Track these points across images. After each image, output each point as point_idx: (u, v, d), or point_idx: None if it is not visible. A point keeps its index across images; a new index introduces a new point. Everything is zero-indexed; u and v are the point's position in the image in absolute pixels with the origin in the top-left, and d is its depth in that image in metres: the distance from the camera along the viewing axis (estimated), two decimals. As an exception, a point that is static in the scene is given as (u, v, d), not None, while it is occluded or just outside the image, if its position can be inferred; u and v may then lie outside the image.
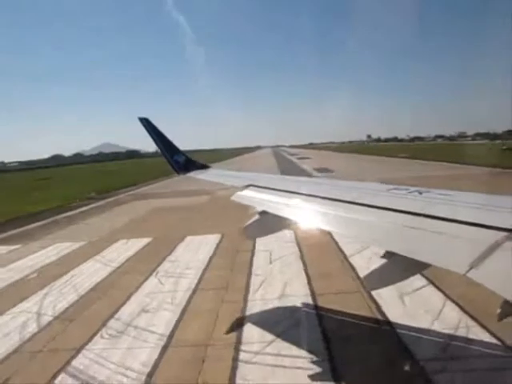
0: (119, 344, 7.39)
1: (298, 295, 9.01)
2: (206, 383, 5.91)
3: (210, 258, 12.53)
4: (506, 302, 2.48)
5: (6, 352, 7.39)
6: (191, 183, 23.77)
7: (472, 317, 7.27)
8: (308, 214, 4.63)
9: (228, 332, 7.48)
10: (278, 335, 7.17)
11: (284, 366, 6.19)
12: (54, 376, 6.46)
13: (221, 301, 9.05)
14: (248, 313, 8.28)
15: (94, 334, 7.83)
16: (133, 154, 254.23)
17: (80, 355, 7.06)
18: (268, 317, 7.98)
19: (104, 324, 8.26)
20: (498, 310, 2.71)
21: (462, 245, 2.79)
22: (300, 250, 12.68)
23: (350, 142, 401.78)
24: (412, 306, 7.92)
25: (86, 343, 7.49)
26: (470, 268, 2.47)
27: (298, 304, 8.49)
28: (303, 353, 6.49)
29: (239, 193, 6.33)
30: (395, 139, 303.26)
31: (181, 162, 8.64)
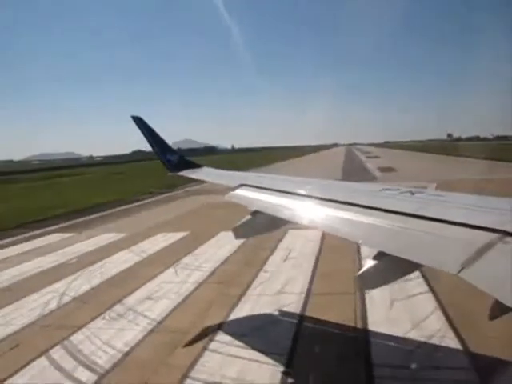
0: (114, 325, 8.21)
1: (294, 293, 9.17)
2: (169, 365, 6.41)
3: (231, 254, 13.05)
4: (497, 302, 2.44)
5: (23, 324, 8.57)
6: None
7: (454, 327, 6.96)
8: (300, 214, 4.70)
9: (211, 323, 7.91)
10: (253, 330, 7.45)
11: (242, 358, 6.49)
12: (52, 347, 7.42)
13: (220, 294, 9.52)
14: (239, 306, 8.63)
15: (98, 316, 8.74)
16: (209, 151, 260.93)
17: (78, 332, 7.99)
18: (253, 312, 8.30)
19: (110, 307, 9.15)
20: (489, 311, 2.73)
21: (454, 245, 2.82)
22: (320, 250, 12.72)
23: (430, 140, 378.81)
24: (398, 312, 7.73)
25: (88, 322, 8.42)
26: (462, 268, 2.48)
27: (288, 302, 8.65)
28: (267, 349, 6.72)
29: (231, 192, 6.40)
30: (477, 138, 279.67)
31: (174, 160, 8.73)
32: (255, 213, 5.44)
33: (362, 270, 3.61)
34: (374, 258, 3.52)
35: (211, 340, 7.23)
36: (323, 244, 13.29)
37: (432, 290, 8.60)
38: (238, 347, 6.88)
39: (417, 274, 9.04)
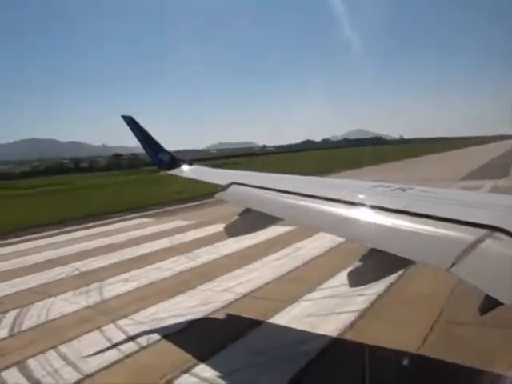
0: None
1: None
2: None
3: (249, 248, 13.43)
4: (487, 297, 2.51)
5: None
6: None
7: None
8: (291, 212, 4.76)
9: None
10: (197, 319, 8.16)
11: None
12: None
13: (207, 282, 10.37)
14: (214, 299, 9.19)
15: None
16: (377, 141, 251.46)
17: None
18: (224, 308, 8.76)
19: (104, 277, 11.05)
20: (479, 305, 2.78)
21: (445, 241, 2.85)
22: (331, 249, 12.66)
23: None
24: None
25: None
26: (453, 264, 2.54)
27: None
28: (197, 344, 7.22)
29: (223, 191, 6.34)
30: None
31: (165, 160, 8.69)
32: (247, 211, 5.48)
33: (353, 267, 3.66)
34: (366, 254, 3.61)
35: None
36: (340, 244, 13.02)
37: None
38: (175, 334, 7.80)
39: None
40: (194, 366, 6.22)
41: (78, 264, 12.93)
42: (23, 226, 20.39)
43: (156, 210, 24.04)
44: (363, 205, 3.87)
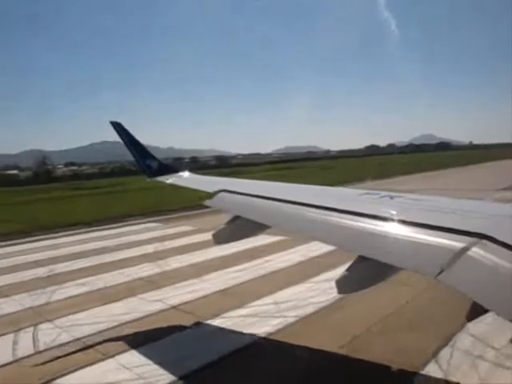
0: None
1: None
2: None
3: (221, 257, 13.50)
4: (474, 304, 2.57)
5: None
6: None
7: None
8: (279, 219, 4.76)
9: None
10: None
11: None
12: None
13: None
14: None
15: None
16: (443, 147, 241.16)
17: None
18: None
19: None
20: (467, 311, 2.85)
21: (433, 249, 2.84)
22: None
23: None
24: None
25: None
26: (441, 271, 2.56)
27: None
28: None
29: (211, 199, 6.23)
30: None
31: (153, 166, 8.71)
32: (235, 218, 5.41)
33: (341, 275, 3.66)
34: (354, 262, 3.64)
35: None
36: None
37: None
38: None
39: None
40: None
41: (57, 266, 13.72)
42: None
43: (185, 213, 24.41)
44: (352, 212, 3.84)
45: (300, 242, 14.24)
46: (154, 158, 8.85)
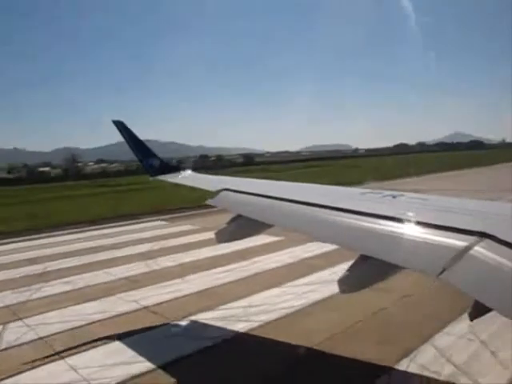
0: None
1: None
2: None
3: (212, 257, 13.44)
4: (476, 303, 2.56)
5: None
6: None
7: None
8: (282, 218, 4.76)
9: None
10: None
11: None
12: None
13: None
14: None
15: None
16: (475, 145, 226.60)
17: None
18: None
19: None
20: (469, 311, 2.79)
21: (435, 248, 2.85)
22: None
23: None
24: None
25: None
26: (443, 271, 2.56)
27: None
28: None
29: (214, 197, 6.23)
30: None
31: (155, 165, 8.62)
32: (238, 217, 5.41)
33: (343, 274, 3.67)
34: (356, 261, 3.63)
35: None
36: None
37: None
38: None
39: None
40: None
41: (51, 263, 13.96)
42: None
43: (193, 212, 24.22)
44: (354, 211, 3.84)
45: (297, 242, 13.99)
46: (156, 156, 8.84)
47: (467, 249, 2.63)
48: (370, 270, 3.47)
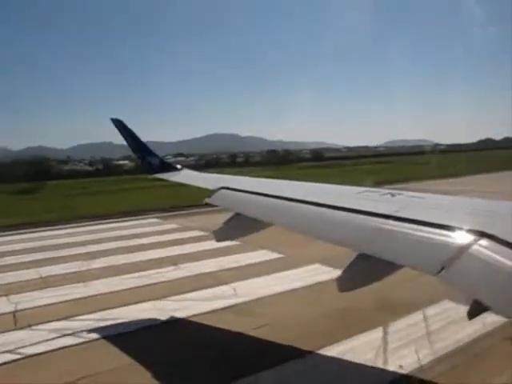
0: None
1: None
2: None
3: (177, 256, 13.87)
4: (475, 302, 2.55)
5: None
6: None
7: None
8: (281, 217, 4.80)
9: None
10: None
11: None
12: None
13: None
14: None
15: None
16: None
17: None
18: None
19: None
20: (468, 310, 2.77)
21: (434, 247, 2.86)
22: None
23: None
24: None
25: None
26: (441, 269, 2.58)
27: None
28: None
29: (212, 196, 6.29)
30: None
31: (154, 163, 8.66)
32: (237, 215, 5.48)
33: (342, 272, 3.72)
34: (354, 260, 3.67)
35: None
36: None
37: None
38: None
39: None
40: None
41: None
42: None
43: (195, 210, 23.67)
44: (352, 210, 3.89)
45: (258, 247, 13.58)
46: (155, 155, 8.91)
47: (466, 248, 2.63)
48: (368, 268, 3.51)
